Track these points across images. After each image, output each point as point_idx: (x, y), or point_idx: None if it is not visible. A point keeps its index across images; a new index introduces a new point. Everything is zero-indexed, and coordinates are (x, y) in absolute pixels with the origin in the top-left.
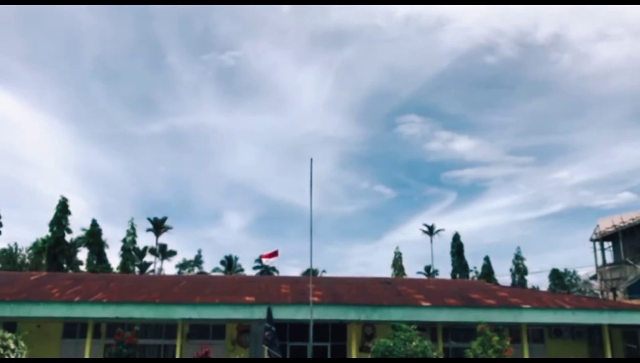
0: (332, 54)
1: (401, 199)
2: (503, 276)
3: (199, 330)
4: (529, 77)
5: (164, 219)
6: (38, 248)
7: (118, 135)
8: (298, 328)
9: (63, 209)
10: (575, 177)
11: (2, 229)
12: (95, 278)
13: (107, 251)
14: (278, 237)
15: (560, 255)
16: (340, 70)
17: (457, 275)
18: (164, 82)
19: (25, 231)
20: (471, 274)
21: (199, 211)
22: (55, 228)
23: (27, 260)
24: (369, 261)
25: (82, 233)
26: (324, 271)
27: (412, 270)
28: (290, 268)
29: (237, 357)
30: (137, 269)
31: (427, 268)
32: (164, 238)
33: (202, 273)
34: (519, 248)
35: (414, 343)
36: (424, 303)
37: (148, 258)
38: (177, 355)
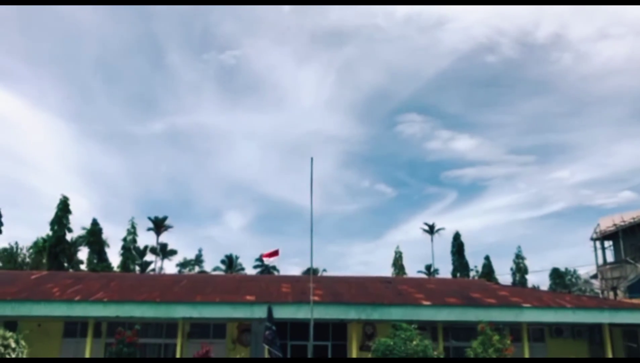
0: (333, 54)
1: (402, 198)
2: (503, 275)
3: (200, 329)
4: (530, 77)
5: (165, 218)
6: (39, 247)
7: (118, 134)
8: (298, 327)
9: (64, 208)
10: (575, 176)
11: (2, 228)
12: (96, 277)
13: (107, 250)
14: (278, 236)
15: (561, 254)
16: (341, 69)
17: (458, 274)
18: (164, 82)
19: (26, 230)
20: (472, 273)
21: (200, 210)
22: (56, 227)
23: (27, 259)
24: (369, 261)
25: (82, 232)
26: (324, 270)
27: (413, 269)
28: (290, 267)
29: (238, 356)
30: (137, 268)
31: (428, 267)
32: (164, 237)
33: (202, 272)
34: (519, 247)
35: (414, 343)
36: (425, 302)
37: (148, 257)
38: (178, 354)
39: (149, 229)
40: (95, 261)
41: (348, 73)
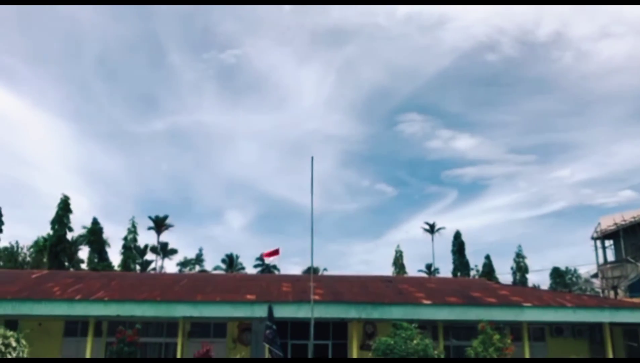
0: (333, 53)
1: (402, 197)
2: (504, 274)
3: (200, 328)
4: (530, 76)
5: (165, 217)
6: (39, 247)
7: (119, 133)
8: (299, 327)
9: (64, 207)
10: (576, 175)
11: (3, 227)
12: (97, 277)
13: (108, 249)
14: (279, 235)
15: (561, 253)
16: (341, 68)
17: (458, 274)
18: (165, 81)
19: (27, 230)
20: (472, 272)
21: (200, 210)
22: (56, 227)
23: (28, 258)
24: (370, 260)
25: (83, 232)
26: (325, 269)
27: (413, 268)
28: (291, 266)
29: (238, 355)
30: (138, 267)
31: (428, 267)
32: (165, 237)
33: (203, 271)
34: (520, 246)
35: (414, 342)
36: (425, 302)
37: (149, 256)
38: (179, 353)
39: (150, 228)
40: (95, 260)
41: (348, 72)
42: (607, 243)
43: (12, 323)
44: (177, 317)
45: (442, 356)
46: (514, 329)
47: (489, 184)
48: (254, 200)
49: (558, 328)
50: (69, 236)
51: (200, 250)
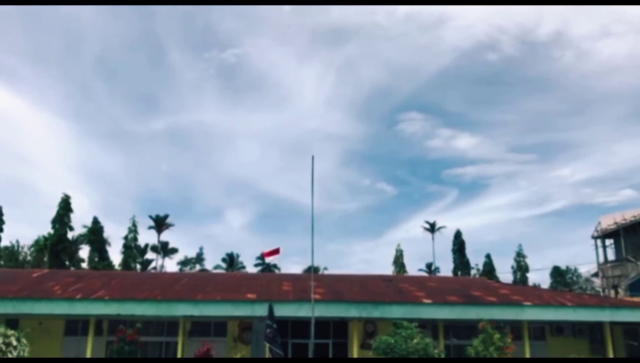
0: (334, 52)
1: (402, 196)
2: (504, 273)
3: (201, 327)
4: (531, 75)
5: (166, 216)
6: (40, 246)
7: (120, 133)
8: (299, 326)
9: (65, 206)
10: (576, 174)
11: (4, 226)
12: (97, 276)
13: (108, 248)
14: (279, 234)
15: (562, 253)
16: (342, 67)
17: (459, 273)
18: (165, 80)
19: (27, 229)
20: (472, 271)
21: (201, 209)
22: (57, 226)
23: (29, 258)
24: (370, 259)
25: (83, 231)
26: (325, 268)
27: (414, 268)
28: (291, 265)
29: (239, 354)
30: (138, 266)
31: (429, 266)
32: (165, 236)
33: (203, 270)
34: (520, 245)
35: (415, 341)
36: (425, 301)
37: (149, 255)
38: (179, 352)
39: (150, 227)
40: (96, 259)
41: (349, 71)
42: (608, 242)
43: (12, 322)
44: (178, 316)
45: (443, 355)
46: (515, 328)
47: (490, 183)
48: (254, 199)
49: (558, 327)
50: (70, 235)
51: (201, 249)
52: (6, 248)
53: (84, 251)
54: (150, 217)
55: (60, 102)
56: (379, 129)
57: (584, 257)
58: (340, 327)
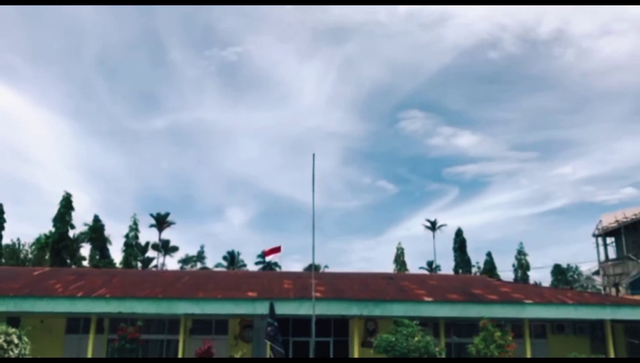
0: (334, 50)
1: (403, 194)
2: (505, 271)
3: (202, 325)
4: (532, 73)
5: (167, 214)
6: (41, 244)
7: (120, 131)
8: (300, 324)
9: (67, 204)
10: (577, 172)
11: (5, 224)
12: (98, 274)
13: (109, 246)
14: (280, 232)
15: (563, 251)
16: (343, 65)
17: (460, 271)
18: (166, 78)
19: (29, 227)
20: (473, 269)
21: (202, 207)
22: (58, 224)
23: (30, 256)
24: (371, 257)
25: (85, 229)
26: (326, 266)
27: (415, 266)
28: (292, 263)
29: (240, 352)
30: (139, 264)
31: (430, 264)
32: (166, 234)
33: (204, 268)
34: (521, 243)
35: (416, 339)
36: (426, 299)
37: (150, 253)
38: (180, 350)
39: (151, 225)
40: (97, 257)
41: (350, 70)
42: (609, 240)
43: (14, 320)
44: (179, 314)
45: (444, 353)
46: (515, 326)
47: (491, 181)
48: (255, 197)
49: (559, 325)
50: (71, 233)
51: (202, 247)
52: (7, 246)
53: (85, 250)
54: (151, 215)
55: (61, 100)
56: (379, 127)
57: (585, 255)
58: (341, 324)
